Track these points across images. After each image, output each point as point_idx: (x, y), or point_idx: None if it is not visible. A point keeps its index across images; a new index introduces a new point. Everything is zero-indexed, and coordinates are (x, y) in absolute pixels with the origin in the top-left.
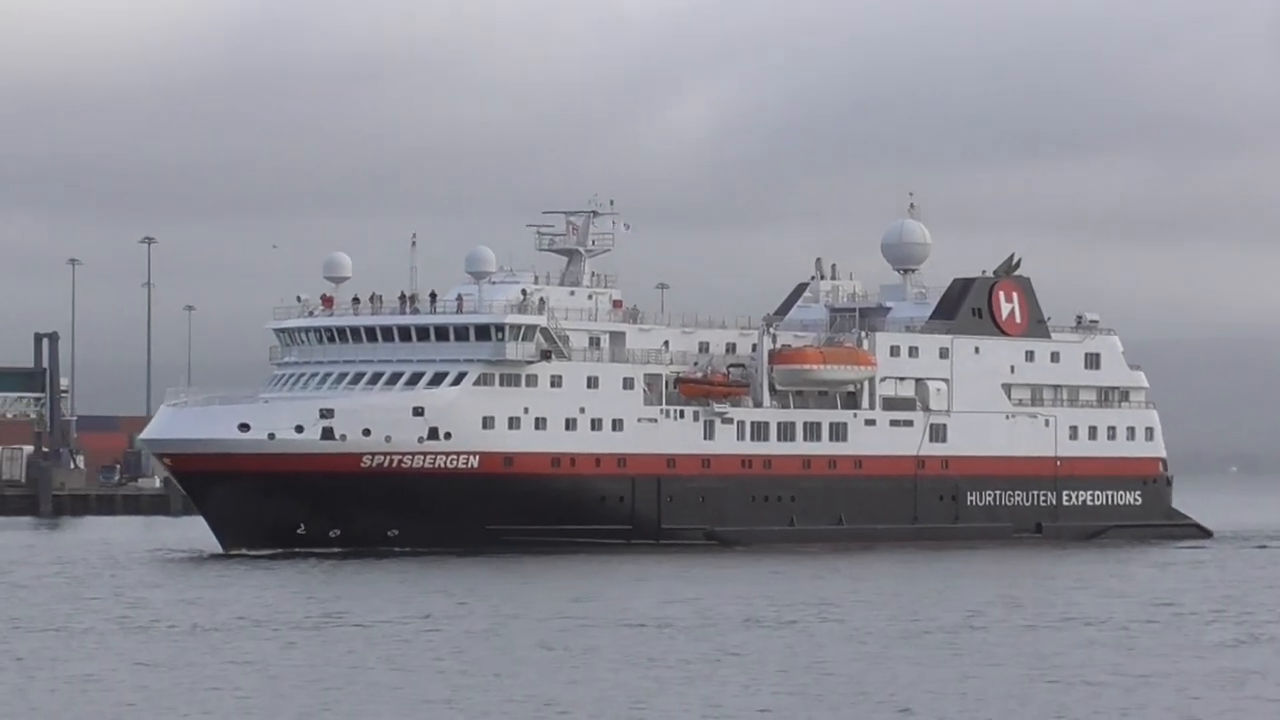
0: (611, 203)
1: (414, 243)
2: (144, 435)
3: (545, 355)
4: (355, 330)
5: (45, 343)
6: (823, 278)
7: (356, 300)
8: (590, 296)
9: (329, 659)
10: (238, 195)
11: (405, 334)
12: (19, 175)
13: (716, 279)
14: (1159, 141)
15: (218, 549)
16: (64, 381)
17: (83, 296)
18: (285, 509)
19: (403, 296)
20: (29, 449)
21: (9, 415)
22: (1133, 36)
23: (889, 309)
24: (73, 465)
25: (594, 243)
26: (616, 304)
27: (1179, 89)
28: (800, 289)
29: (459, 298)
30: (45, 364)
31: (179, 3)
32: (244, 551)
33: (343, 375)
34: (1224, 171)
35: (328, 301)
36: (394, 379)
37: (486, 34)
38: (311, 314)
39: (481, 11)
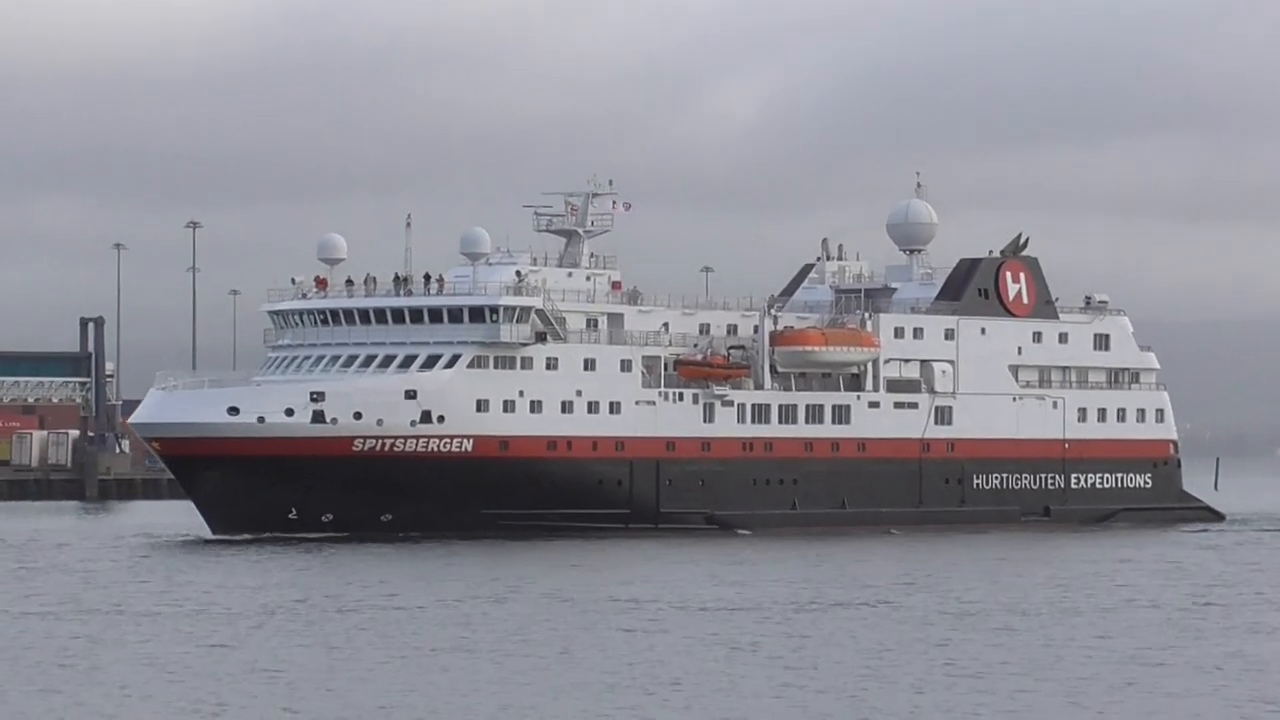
0: (610, 182)
1: (409, 224)
2: (133, 419)
3: (540, 337)
4: (349, 312)
5: (91, 327)
6: (829, 258)
7: (350, 282)
8: (589, 278)
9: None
10: (283, 180)
11: (399, 316)
12: (65, 160)
13: (756, 261)
14: (1202, 125)
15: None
16: (109, 366)
17: (128, 281)
18: (276, 493)
19: (397, 278)
20: (75, 433)
21: (55, 400)
22: (1175, 22)
23: (894, 290)
24: (118, 450)
25: (593, 223)
26: (615, 285)
27: (1221, 74)
28: (806, 270)
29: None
30: (91, 349)
31: None
32: (233, 536)
33: (335, 358)
34: (1269, 156)
35: (321, 283)
36: (387, 361)
37: (524, 22)
38: (305, 296)
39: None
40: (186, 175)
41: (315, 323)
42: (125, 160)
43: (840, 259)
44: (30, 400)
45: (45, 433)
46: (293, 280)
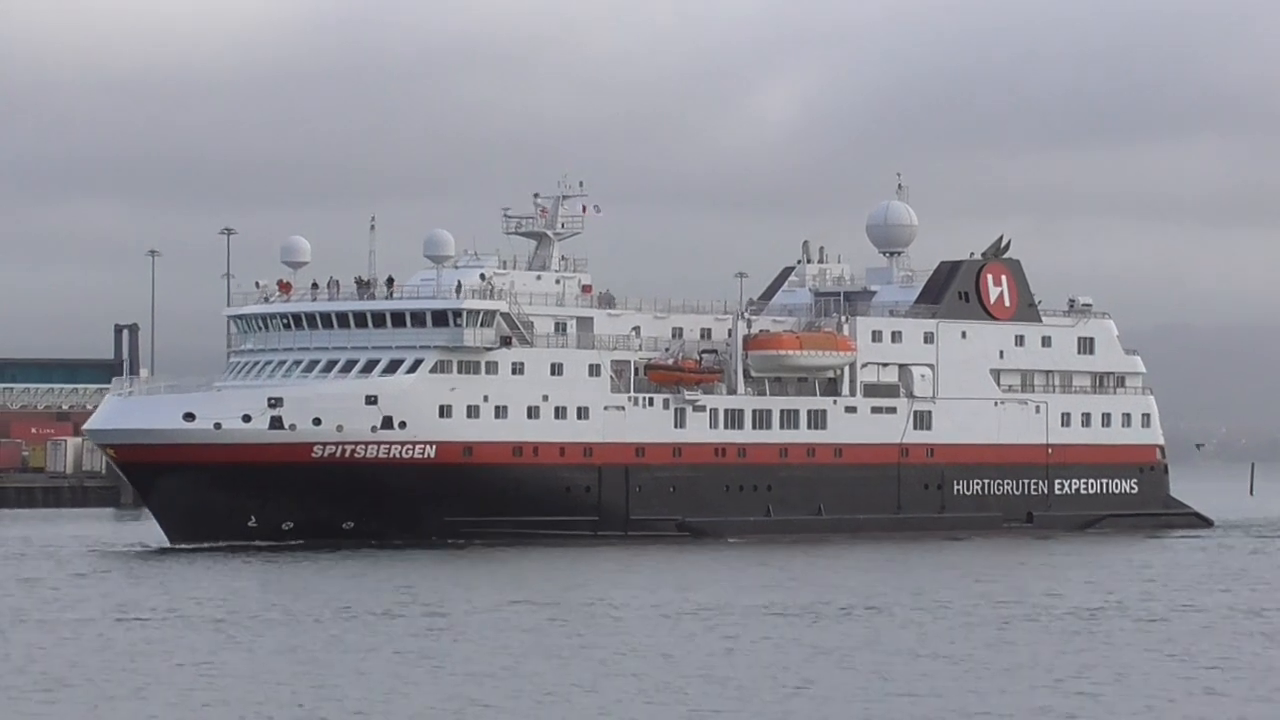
0: (581, 184)
1: (373, 226)
2: (88, 425)
3: (505, 341)
4: (310, 316)
5: (125, 334)
6: (809, 261)
7: (315, 286)
8: (558, 281)
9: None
10: (318, 186)
11: (361, 320)
12: (100, 166)
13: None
14: (1234, 126)
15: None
16: (144, 373)
17: (162, 288)
18: (234, 501)
19: (359, 281)
20: None
21: (89, 407)
22: (1205, 24)
23: (874, 293)
24: None
25: (563, 225)
26: (586, 289)
27: (1248, 75)
28: (787, 273)
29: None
30: (125, 355)
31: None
32: (191, 545)
33: (297, 363)
34: None
35: (285, 287)
36: (349, 366)
37: (563, 27)
38: (267, 300)
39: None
40: (221, 181)
41: (278, 327)
42: (160, 166)
43: (821, 261)
44: (65, 407)
45: (79, 440)
46: (257, 284)
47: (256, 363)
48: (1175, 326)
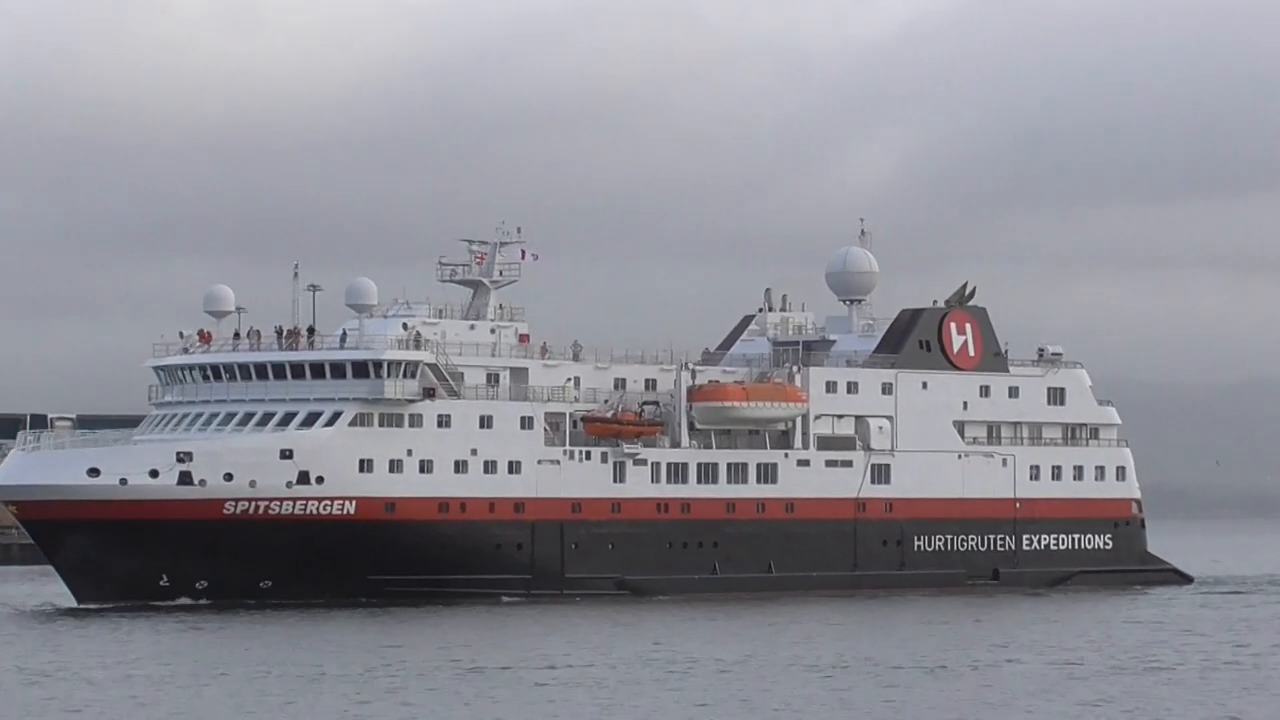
0: (519, 230)
1: (296, 274)
2: None
3: (429, 393)
4: (229, 367)
5: None
6: (771, 309)
7: (237, 335)
8: (493, 330)
9: None
10: (402, 241)
11: (280, 371)
12: (184, 222)
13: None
14: None
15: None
16: None
17: None
18: (143, 559)
19: (279, 331)
20: None
21: None
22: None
23: (833, 342)
24: None
25: (501, 273)
26: (523, 338)
27: None
28: (747, 321)
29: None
30: None
31: (345, 57)
32: (97, 605)
33: (214, 415)
34: None
35: (205, 337)
36: (266, 419)
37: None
38: (187, 350)
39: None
40: (306, 238)
41: (197, 379)
42: (244, 222)
43: (783, 310)
44: None
45: None
46: (180, 334)
47: (174, 415)
48: (1259, 380)
